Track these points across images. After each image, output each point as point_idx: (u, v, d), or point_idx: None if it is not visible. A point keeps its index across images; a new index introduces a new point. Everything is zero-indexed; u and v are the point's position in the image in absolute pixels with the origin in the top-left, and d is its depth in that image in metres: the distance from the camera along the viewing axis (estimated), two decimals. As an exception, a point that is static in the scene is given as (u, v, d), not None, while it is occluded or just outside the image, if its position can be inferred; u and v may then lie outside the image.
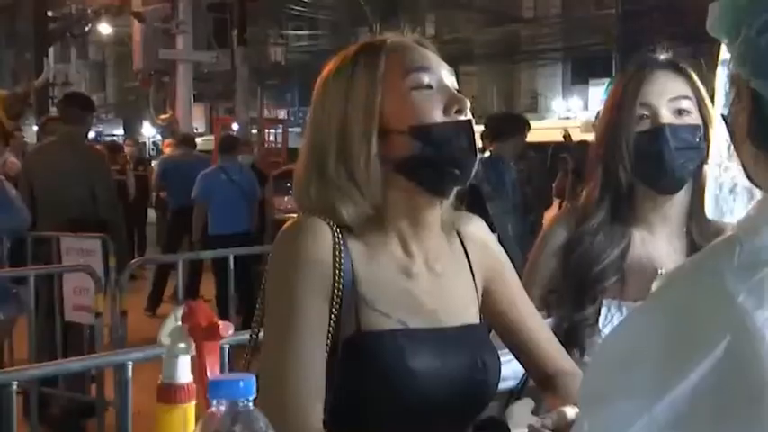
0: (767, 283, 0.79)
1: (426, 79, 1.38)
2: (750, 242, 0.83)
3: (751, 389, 0.77)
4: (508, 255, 1.63)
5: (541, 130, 11.83)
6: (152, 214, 12.27)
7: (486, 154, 5.73)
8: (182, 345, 1.02)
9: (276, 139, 14.62)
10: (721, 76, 1.03)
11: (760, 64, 0.87)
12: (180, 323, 1.02)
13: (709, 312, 0.81)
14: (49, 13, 19.88)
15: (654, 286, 0.92)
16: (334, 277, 1.33)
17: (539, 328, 1.57)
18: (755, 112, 0.88)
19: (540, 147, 9.57)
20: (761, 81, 0.87)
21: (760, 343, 0.77)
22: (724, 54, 0.98)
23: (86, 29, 22.52)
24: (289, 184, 9.44)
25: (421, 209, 1.42)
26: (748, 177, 0.95)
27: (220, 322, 0.98)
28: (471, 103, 1.41)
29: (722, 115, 0.99)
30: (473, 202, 5.15)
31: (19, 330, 4.94)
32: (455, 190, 1.45)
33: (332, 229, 1.35)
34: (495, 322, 1.56)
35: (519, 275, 1.63)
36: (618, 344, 0.89)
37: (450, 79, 1.42)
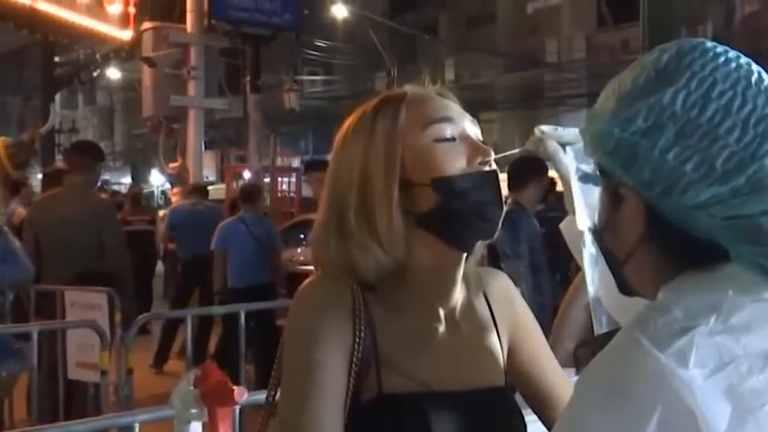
0: (688, 348, 0.93)
1: (449, 131, 1.39)
2: (663, 317, 0.97)
3: None
4: None
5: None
6: (159, 266, 12.31)
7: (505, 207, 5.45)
8: (194, 410, 1.01)
9: (289, 187, 14.69)
10: (576, 190, 1.20)
11: (663, 179, 1.00)
12: (192, 387, 1.02)
13: (638, 382, 0.93)
14: (57, 59, 20.16)
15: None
16: (353, 338, 1.32)
17: (565, 388, 1.55)
18: (654, 220, 1.03)
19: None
20: (660, 193, 1.00)
21: (690, 399, 0.90)
22: (580, 167, 1.15)
23: (94, 74, 22.80)
24: (302, 235, 9.49)
25: (445, 264, 1.41)
26: (625, 290, 1.12)
27: (235, 387, 0.97)
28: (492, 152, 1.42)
29: (591, 228, 1.15)
30: (490, 263, 5.06)
31: (19, 388, 4.93)
32: (480, 245, 1.44)
33: (351, 287, 1.35)
34: (519, 382, 1.55)
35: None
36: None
37: (473, 130, 1.43)
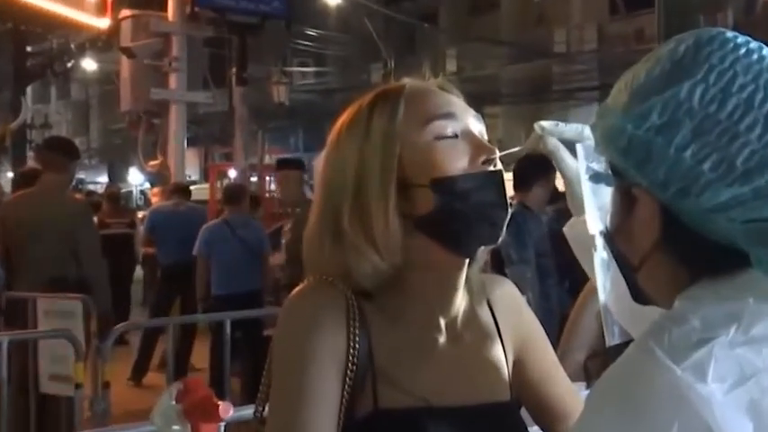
0: (706, 361, 0.93)
1: (450, 128, 1.38)
2: (679, 328, 0.97)
3: None
4: None
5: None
6: (138, 272, 12.31)
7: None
8: (176, 427, 1.01)
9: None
10: (587, 191, 1.20)
11: (680, 179, 1.00)
12: (175, 402, 1.02)
13: (653, 397, 0.93)
14: (28, 49, 20.16)
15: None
16: (348, 349, 1.32)
17: (574, 403, 1.55)
18: (669, 223, 1.04)
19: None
20: (676, 194, 1.01)
21: (709, 416, 0.90)
22: (590, 166, 1.14)
23: (69, 65, 22.79)
24: (293, 239, 9.45)
25: (446, 271, 1.41)
26: (639, 298, 1.13)
27: (220, 403, 0.98)
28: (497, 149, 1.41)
29: (603, 232, 1.16)
30: (494, 269, 5.06)
31: (-12, 403, 4.92)
32: (483, 249, 1.44)
33: (346, 294, 1.35)
34: (524, 396, 1.56)
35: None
36: None
37: (477, 127, 1.43)
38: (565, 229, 1.56)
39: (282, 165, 7.18)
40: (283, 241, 6.67)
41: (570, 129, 1.47)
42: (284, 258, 6.61)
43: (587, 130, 1.45)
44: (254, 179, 14.33)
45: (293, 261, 6.46)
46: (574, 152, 1.52)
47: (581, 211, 1.48)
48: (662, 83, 1.02)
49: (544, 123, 1.48)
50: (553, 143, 1.49)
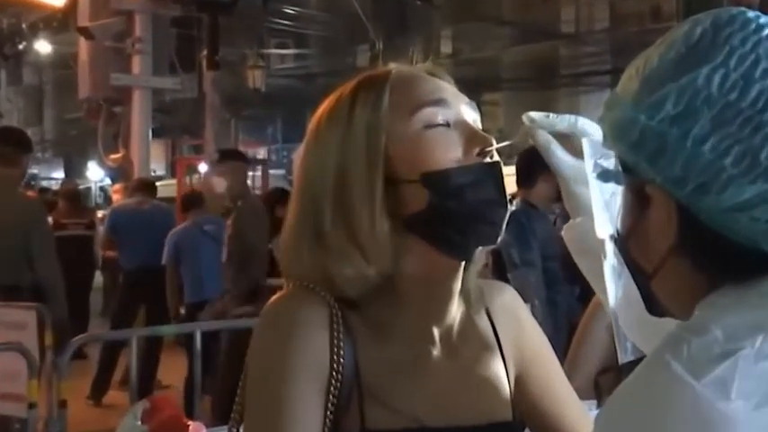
0: (729, 376, 0.92)
1: (441, 115, 1.39)
2: (699, 339, 0.96)
3: None
4: None
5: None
6: (98, 278, 12.28)
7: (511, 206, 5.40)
8: (141, 451, 1.01)
9: (254, 183, 14.67)
10: (595, 191, 1.20)
11: (698, 175, 1.00)
12: (140, 423, 1.02)
13: (670, 416, 0.92)
14: (-25, 29, 20.12)
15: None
16: (331, 364, 1.32)
17: (583, 424, 1.56)
18: (687, 225, 1.03)
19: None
20: (694, 192, 1.01)
21: None
22: (599, 162, 1.14)
23: (20, 47, 22.73)
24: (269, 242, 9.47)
25: (439, 276, 1.42)
26: (654, 309, 1.13)
27: (190, 423, 0.98)
28: (497, 140, 1.41)
29: (613, 236, 1.16)
30: (496, 273, 5.06)
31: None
32: (481, 252, 1.45)
33: (329, 303, 1.35)
34: (529, 416, 1.56)
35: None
36: None
37: (471, 115, 1.43)
38: (563, 232, 1.55)
39: (226, 156, 7.26)
40: (226, 236, 6.75)
41: (562, 120, 1.46)
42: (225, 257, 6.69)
43: (581, 122, 1.45)
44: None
45: (235, 260, 6.50)
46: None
47: (579, 211, 1.48)
48: (677, 68, 1.02)
49: (533, 114, 1.47)
50: (544, 137, 1.47)
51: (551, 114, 1.47)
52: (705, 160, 0.99)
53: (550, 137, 1.48)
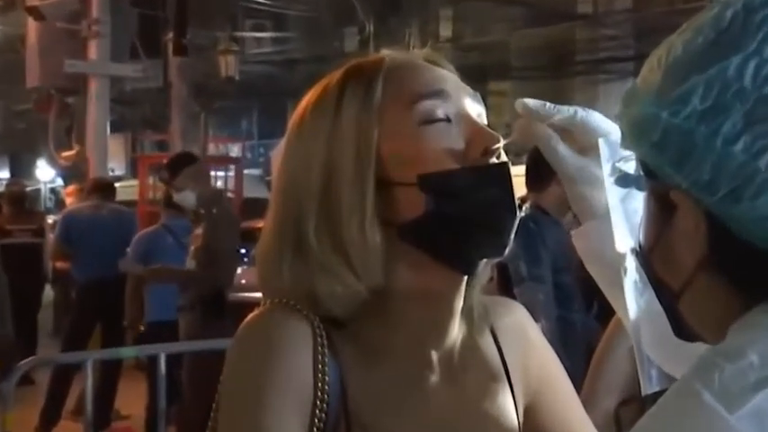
0: (767, 409, 0.92)
1: (441, 109, 1.39)
2: (733, 365, 0.96)
3: None
4: None
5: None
6: (48, 292, 12.27)
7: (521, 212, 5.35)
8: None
9: (226, 184, 14.66)
10: (614, 198, 1.19)
11: (730, 179, 0.99)
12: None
13: None
14: None
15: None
16: (315, 391, 1.32)
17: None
18: (718, 235, 1.03)
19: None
20: (725, 198, 1.00)
21: None
22: (617, 165, 1.13)
23: (-41, 29, 22.70)
24: (245, 250, 9.48)
25: (438, 292, 1.42)
26: (683, 332, 1.13)
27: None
28: (504, 136, 1.41)
29: (635, 250, 1.16)
30: (501, 288, 5.05)
31: None
32: (486, 264, 1.45)
33: (312, 322, 1.35)
34: (539, 451, 1.57)
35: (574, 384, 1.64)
36: None
37: (474, 108, 1.44)
38: (573, 239, 1.53)
39: (177, 166, 7.15)
40: (192, 248, 6.68)
41: (562, 111, 1.42)
42: (191, 269, 6.64)
43: (581, 113, 1.42)
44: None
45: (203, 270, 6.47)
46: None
47: (589, 215, 1.46)
48: (704, 58, 1.02)
49: (529, 102, 1.43)
50: (542, 131, 1.43)
51: (548, 103, 1.43)
52: (737, 162, 0.99)
53: (551, 130, 1.44)
